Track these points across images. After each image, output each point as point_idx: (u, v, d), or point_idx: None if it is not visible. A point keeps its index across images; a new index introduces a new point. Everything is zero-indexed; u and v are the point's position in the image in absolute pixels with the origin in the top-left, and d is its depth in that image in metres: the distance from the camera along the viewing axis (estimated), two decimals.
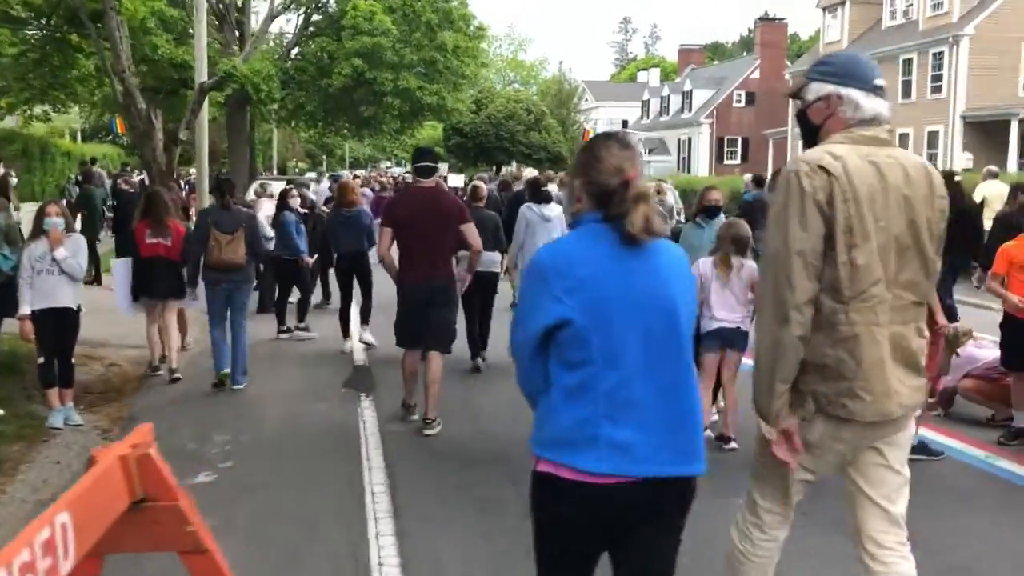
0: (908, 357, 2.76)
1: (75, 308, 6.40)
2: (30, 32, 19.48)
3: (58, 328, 6.30)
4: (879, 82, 2.83)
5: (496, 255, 8.43)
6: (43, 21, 19.36)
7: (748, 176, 13.05)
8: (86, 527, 2.04)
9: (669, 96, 52.60)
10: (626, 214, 2.31)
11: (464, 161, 48.82)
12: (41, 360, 6.28)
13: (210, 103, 29.07)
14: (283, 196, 10.70)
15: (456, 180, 25.04)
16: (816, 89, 2.85)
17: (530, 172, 14.82)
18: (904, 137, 32.38)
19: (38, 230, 6.30)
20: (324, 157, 72.38)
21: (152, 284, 7.84)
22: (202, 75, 19.80)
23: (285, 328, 10.09)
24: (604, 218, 2.37)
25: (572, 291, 2.30)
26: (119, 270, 8.32)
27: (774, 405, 2.71)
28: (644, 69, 72.90)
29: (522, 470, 2.89)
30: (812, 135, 2.88)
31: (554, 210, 8.90)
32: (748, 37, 71.69)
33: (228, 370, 7.58)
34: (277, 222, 10.26)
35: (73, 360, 6.51)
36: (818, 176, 2.65)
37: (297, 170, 65.75)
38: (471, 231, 6.31)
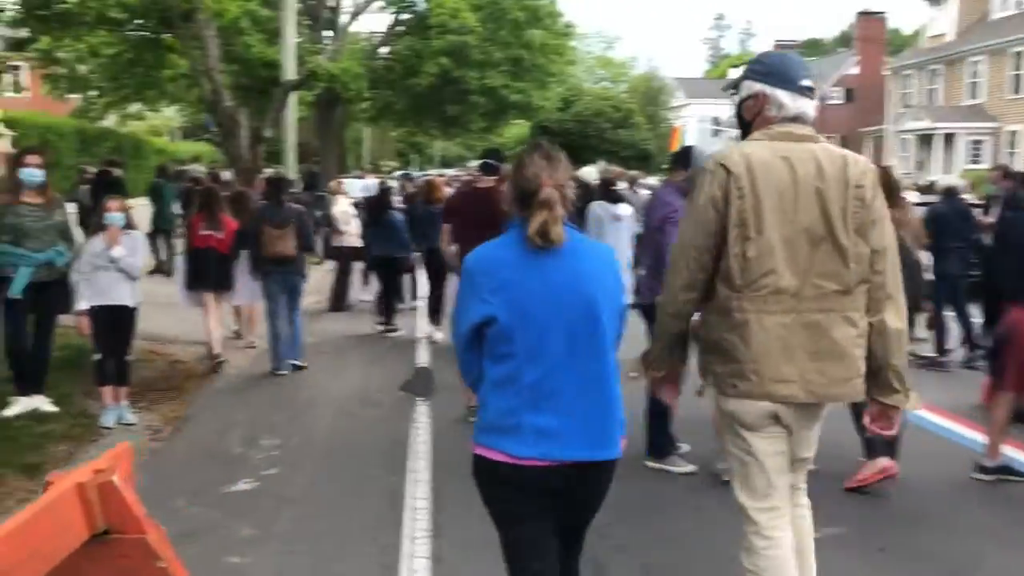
0: (828, 346, 2.84)
1: (132, 306, 6.33)
2: (128, 32, 19.98)
3: (115, 325, 6.24)
4: (806, 83, 2.97)
5: None
6: (138, 22, 19.85)
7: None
8: (21, 567, 1.81)
9: None
10: (529, 219, 2.52)
11: None
12: (97, 357, 6.22)
13: (300, 102, 29.55)
14: (386, 195, 10.78)
15: None
16: (747, 87, 3.02)
17: (588, 170, 14.59)
18: (1013, 134, 30.68)
19: (98, 225, 6.26)
20: (415, 156, 73.08)
21: (202, 274, 8.22)
22: (289, 73, 20.03)
23: (392, 327, 10.12)
24: (524, 219, 2.56)
25: (496, 291, 2.52)
26: (180, 264, 8.80)
27: (654, 357, 3.10)
28: (736, 66, 71.20)
29: None
30: (746, 130, 3.05)
31: (625, 209, 8.71)
32: (847, 32, 69.27)
33: (284, 372, 7.91)
34: (383, 221, 10.22)
35: (129, 357, 6.44)
36: (718, 173, 2.85)
37: (387, 168, 66.58)
38: None
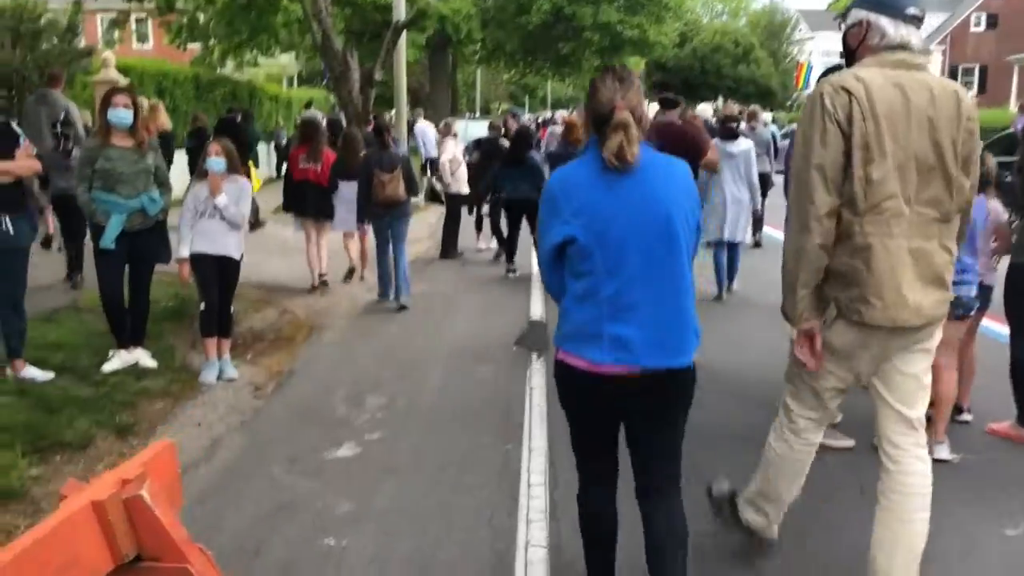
0: (930, 271, 2.90)
1: (237, 258, 5.96)
2: None
3: (219, 275, 5.91)
4: (912, 11, 2.92)
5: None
6: None
7: None
8: None
9: None
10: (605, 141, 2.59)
11: None
12: (202, 307, 5.89)
13: (412, 45, 29.14)
14: (526, 135, 10.16)
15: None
16: (853, 14, 3.01)
17: (704, 107, 14.17)
18: None
19: (202, 170, 5.91)
20: (526, 98, 72.22)
21: (302, 204, 8.82)
22: (400, 13, 19.53)
23: (513, 268, 9.98)
24: (599, 142, 2.64)
25: (576, 213, 2.63)
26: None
27: (797, 307, 2.95)
28: None
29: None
30: (850, 58, 3.06)
31: (740, 145, 8.54)
32: None
33: (388, 298, 8.41)
34: (523, 161, 9.65)
35: (233, 310, 6.12)
36: (840, 96, 2.82)
37: (500, 111, 65.98)
38: (709, 162, 6.29)
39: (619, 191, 2.59)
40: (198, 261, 5.81)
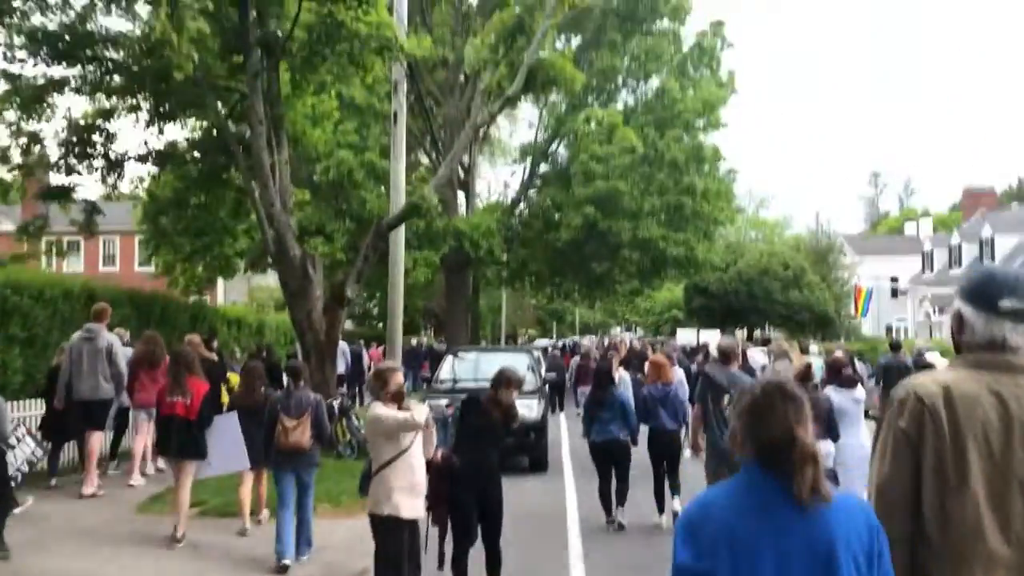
0: None
1: None
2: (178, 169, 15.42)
3: None
4: (1007, 304, 2.48)
5: (830, 446, 7.41)
6: (197, 156, 15.30)
7: None
8: None
9: (961, 245, 43.50)
10: (792, 474, 2.19)
11: (709, 326, 41.53)
12: None
13: (424, 264, 24.48)
14: (606, 374, 9.59)
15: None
16: (955, 304, 2.66)
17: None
18: None
19: None
20: (554, 324, 68.78)
21: (167, 442, 8.14)
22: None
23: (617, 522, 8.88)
24: (765, 469, 2.25)
25: (716, 545, 2.20)
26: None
27: None
28: (911, 219, 64.23)
29: None
30: (957, 351, 2.65)
31: (860, 393, 8.24)
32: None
33: (288, 561, 7.17)
34: (607, 400, 9.07)
35: None
36: (911, 403, 2.42)
37: (527, 337, 61.90)
38: None
39: (777, 529, 2.14)
40: None
